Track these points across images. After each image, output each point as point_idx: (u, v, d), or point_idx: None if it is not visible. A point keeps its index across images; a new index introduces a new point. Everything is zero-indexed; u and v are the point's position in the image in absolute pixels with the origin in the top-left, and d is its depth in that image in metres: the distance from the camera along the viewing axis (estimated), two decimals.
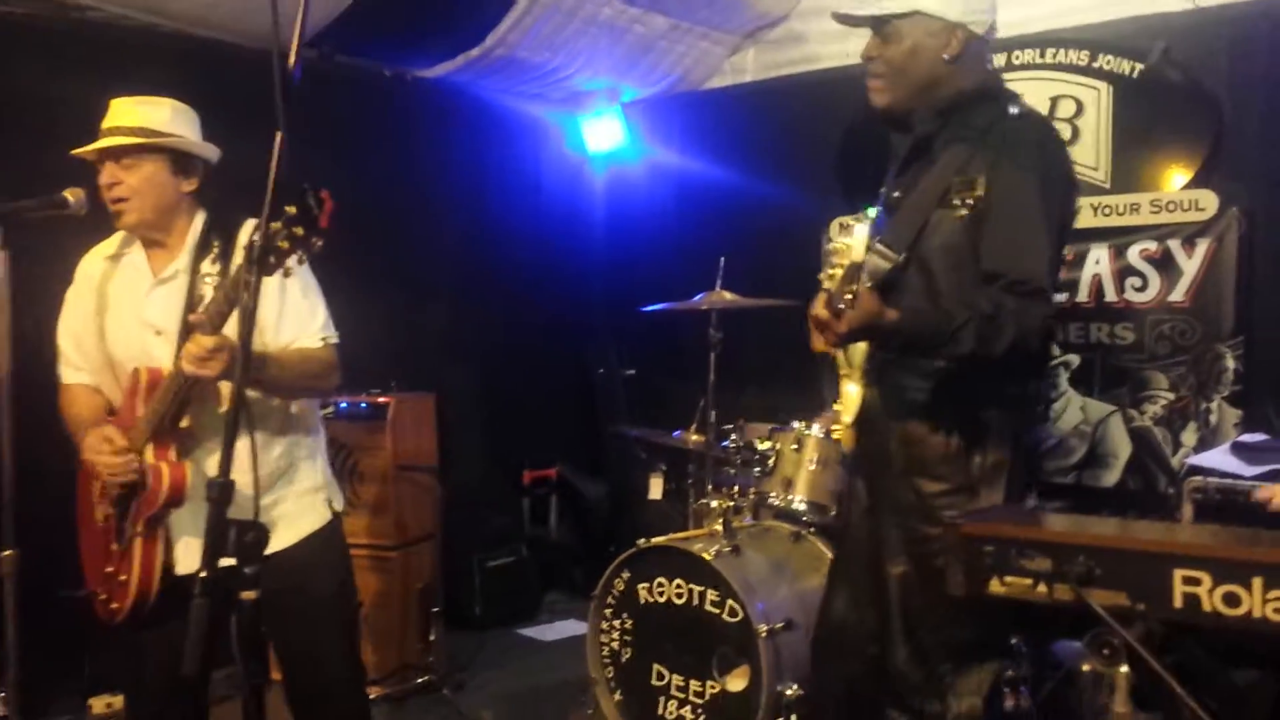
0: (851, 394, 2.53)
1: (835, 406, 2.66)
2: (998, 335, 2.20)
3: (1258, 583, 1.32)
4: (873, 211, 2.50)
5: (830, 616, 2.73)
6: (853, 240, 2.10)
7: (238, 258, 2.44)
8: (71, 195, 2.49)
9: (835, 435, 2.70)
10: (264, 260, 1.81)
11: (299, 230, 1.84)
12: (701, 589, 3.31)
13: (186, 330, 2.36)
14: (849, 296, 2.06)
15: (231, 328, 2.22)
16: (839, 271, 2.07)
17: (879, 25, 2.46)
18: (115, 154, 2.52)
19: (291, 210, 1.83)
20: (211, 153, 2.66)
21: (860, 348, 2.52)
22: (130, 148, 2.52)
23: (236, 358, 2.18)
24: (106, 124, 2.55)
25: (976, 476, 2.40)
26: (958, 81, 2.45)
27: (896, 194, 2.52)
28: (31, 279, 2.56)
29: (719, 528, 3.49)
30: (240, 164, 2.52)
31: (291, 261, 1.87)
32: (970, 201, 2.30)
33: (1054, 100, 4.45)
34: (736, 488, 3.83)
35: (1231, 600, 1.34)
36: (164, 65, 3.55)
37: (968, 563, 1.53)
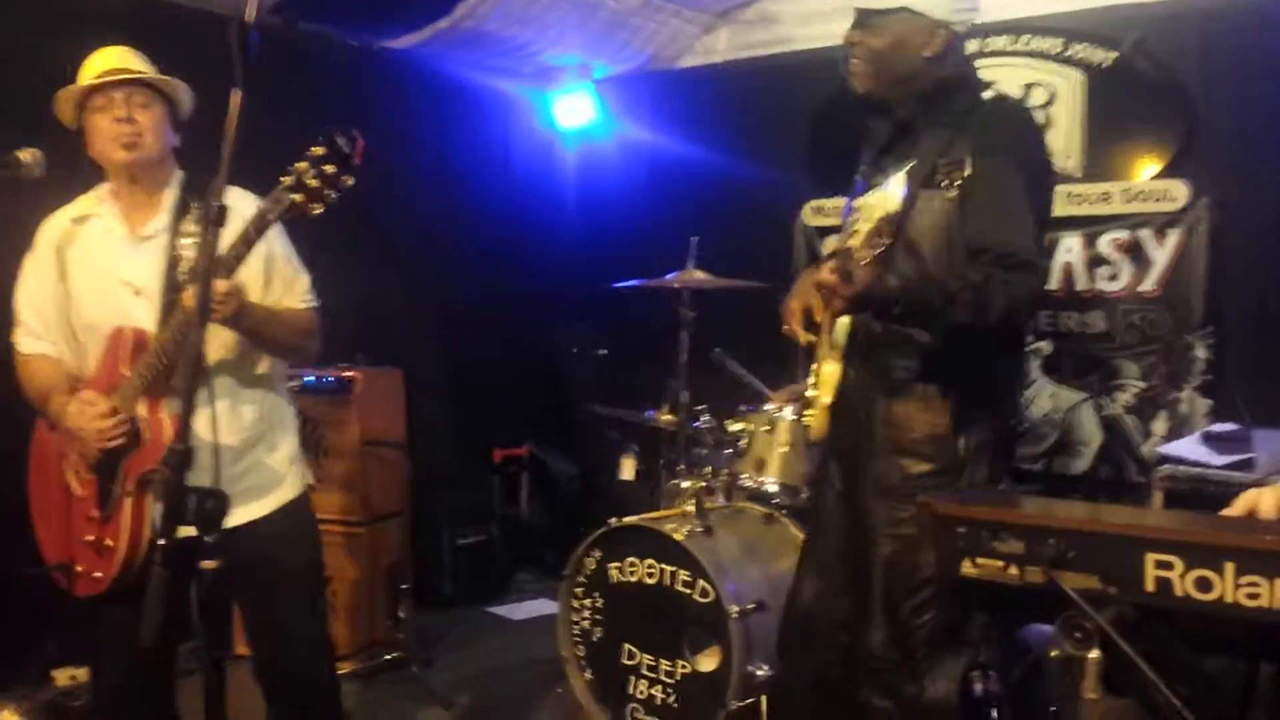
0: (831, 374, 2.51)
1: (809, 391, 2.62)
2: (989, 304, 2.23)
3: (1230, 567, 1.33)
4: (901, 175, 2.41)
5: (798, 605, 2.72)
6: (884, 194, 2.05)
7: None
8: (28, 155, 2.42)
9: (805, 419, 2.63)
10: (285, 201, 1.95)
11: (329, 168, 1.89)
12: (673, 569, 3.31)
13: (173, 286, 2.37)
14: (876, 249, 2.04)
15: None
16: (863, 229, 2.06)
17: (864, 19, 2.47)
18: (137, 87, 2.48)
19: (318, 151, 1.89)
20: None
21: (843, 325, 2.51)
22: (151, 84, 2.49)
23: (244, 305, 2.24)
24: (111, 64, 2.49)
25: (962, 457, 2.40)
26: (935, 73, 2.47)
27: (880, 178, 2.51)
28: None
29: (691, 508, 3.48)
30: (191, 129, 2.57)
31: (326, 198, 1.92)
32: (959, 183, 2.32)
33: (1027, 87, 4.45)
34: (709, 468, 3.83)
35: (1203, 585, 1.34)
36: (120, 26, 3.46)
37: (940, 543, 1.53)
